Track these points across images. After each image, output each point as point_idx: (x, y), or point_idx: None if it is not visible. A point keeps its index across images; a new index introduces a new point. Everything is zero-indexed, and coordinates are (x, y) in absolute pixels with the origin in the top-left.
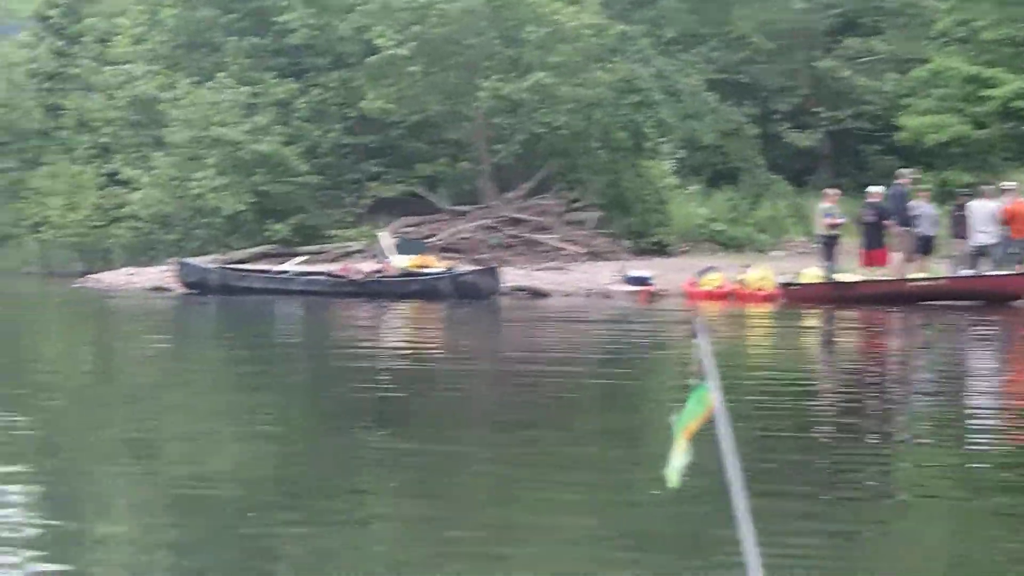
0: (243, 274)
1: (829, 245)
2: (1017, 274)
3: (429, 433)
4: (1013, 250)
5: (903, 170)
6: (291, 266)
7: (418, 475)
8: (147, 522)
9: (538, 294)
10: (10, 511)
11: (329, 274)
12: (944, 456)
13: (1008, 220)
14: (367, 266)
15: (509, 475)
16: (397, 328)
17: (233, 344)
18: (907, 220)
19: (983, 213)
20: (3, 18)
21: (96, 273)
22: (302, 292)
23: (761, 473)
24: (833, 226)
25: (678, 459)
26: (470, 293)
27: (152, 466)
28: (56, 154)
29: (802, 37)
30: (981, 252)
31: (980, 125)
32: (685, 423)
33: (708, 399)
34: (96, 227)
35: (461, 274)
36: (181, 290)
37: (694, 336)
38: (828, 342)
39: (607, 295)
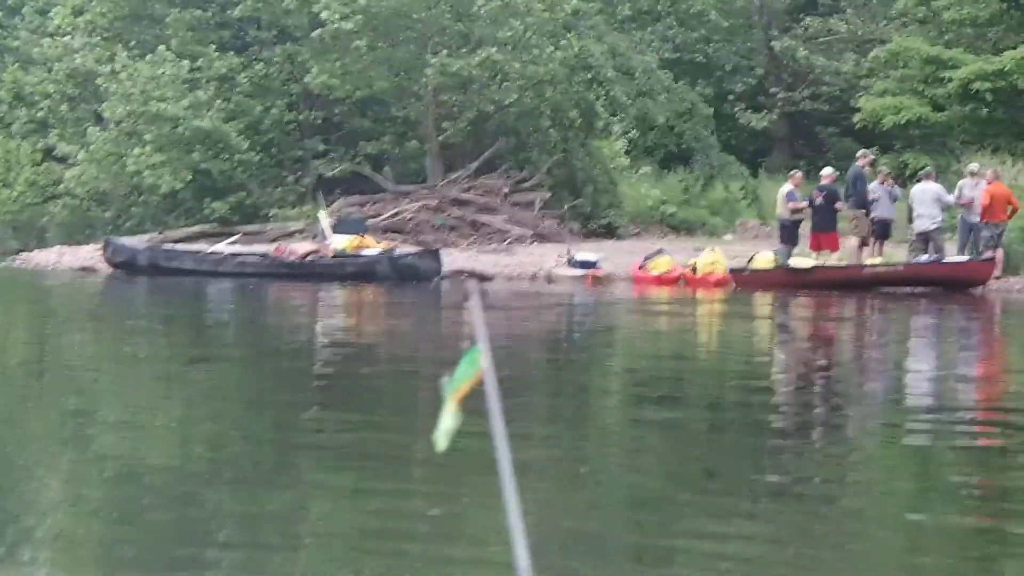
0: (173, 254)
1: (791, 229)
2: (977, 260)
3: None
4: (987, 233)
5: (865, 150)
6: (223, 246)
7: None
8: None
9: (480, 277)
10: None
11: (263, 255)
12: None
13: (986, 204)
14: (303, 247)
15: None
16: (317, 314)
17: (149, 332)
18: (864, 203)
19: (925, 197)
20: None
21: (29, 251)
22: (234, 274)
23: (701, 473)
24: (797, 210)
25: (447, 422)
26: (410, 276)
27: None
28: None
29: (760, 16)
30: (925, 237)
31: (939, 107)
32: (456, 386)
33: (479, 362)
34: (31, 204)
35: (400, 256)
36: (109, 270)
37: (466, 300)
38: (771, 330)
39: (552, 279)
